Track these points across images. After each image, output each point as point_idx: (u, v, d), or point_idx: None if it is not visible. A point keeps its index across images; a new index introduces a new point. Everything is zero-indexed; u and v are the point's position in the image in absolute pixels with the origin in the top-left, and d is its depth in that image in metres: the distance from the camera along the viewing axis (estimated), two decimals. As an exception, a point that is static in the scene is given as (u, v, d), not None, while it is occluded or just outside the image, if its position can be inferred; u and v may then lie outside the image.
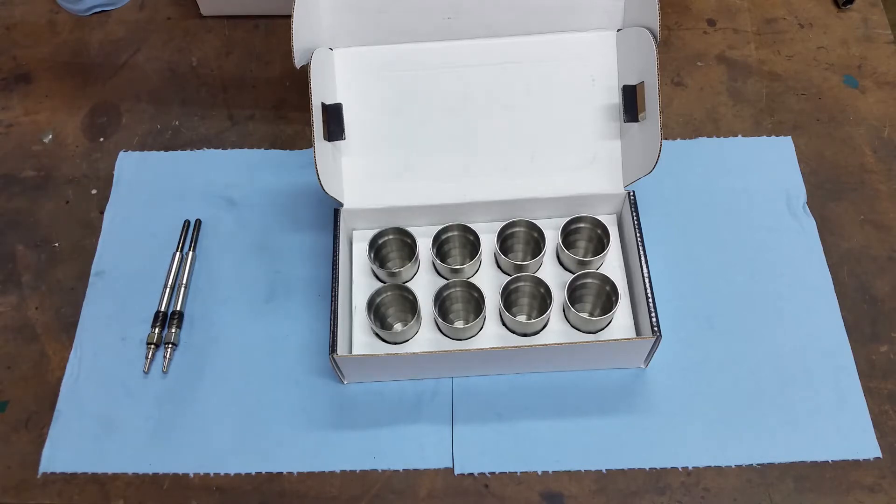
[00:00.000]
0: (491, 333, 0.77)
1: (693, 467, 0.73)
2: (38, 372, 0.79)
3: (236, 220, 0.87)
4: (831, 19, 1.01)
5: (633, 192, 0.79)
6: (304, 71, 0.75)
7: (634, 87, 0.78)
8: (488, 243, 0.81)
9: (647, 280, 0.74)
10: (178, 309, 0.81)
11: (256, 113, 0.95)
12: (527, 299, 0.79)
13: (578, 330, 0.77)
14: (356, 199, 0.80)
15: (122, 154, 0.92)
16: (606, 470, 0.73)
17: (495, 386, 0.77)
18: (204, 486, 0.73)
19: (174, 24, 1.03)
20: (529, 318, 0.79)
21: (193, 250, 0.85)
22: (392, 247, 0.82)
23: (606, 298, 0.77)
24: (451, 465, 0.73)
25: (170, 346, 0.79)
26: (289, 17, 0.72)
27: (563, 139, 0.81)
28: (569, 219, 0.80)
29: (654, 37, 0.75)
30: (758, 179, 0.88)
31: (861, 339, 0.79)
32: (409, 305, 0.78)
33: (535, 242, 0.81)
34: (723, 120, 0.93)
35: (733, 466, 0.73)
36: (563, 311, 0.78)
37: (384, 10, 0.79)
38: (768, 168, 0.89)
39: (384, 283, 0.79)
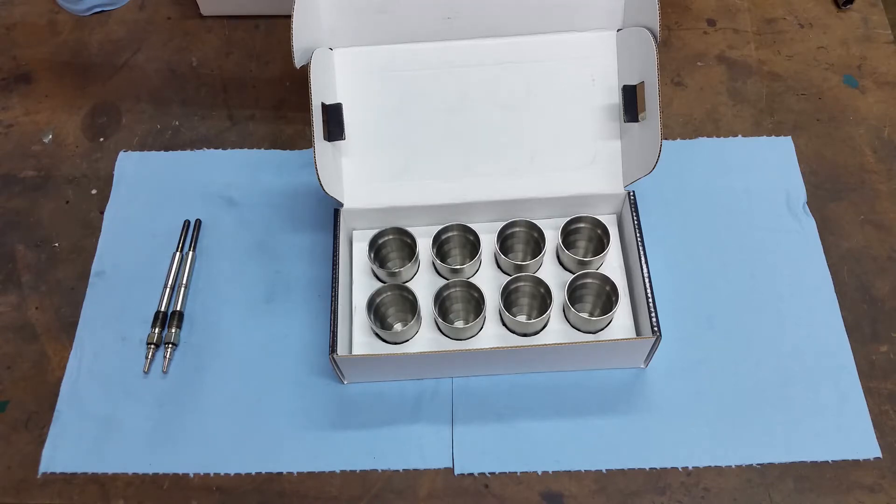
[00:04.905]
0: (491, 333, 0.77)
1: (693, 467, 0.73)
2: (38, 372, 0.79)
3: (236, 220, 0.87)
4: (831, 19, 1.01)
5: (633, 192, 0.79)
6: (304, 71, 0.75)
7: (634, 87, 0.78)
8: (488, 243, 0.81)
9: (647, 280, 0.74)
10: (178, 309, 0.81)
11: (256, 113, 0.95)
12: (527, 299, 0.79)
13: (578, 330, 0.77)
14: (356, 199, 0.80)
15: (122, 154, 0.92)
16: (606, 470, 0.73)
17: (495, 386, 0.77)
18: (204, 486, 0.73)
19: (174, 24, 1.03)
20: (529, 318, 0.79)
21: (193, 250, 0.85)
22: (392, 247, 0.82)
23: (606, 298, 0.77)
24: (451, 465, 0.73)
25: (170, 346, 0.79)
26: (289, 17, 0.72)
27: (563, 139, 0.81)
28: (569, 219, 0.80)
29: (654, 37, 0.75)
30: (758, 179, 0.88)
31: (861, 339, 0.79)
32: (409, 305, 0.78)
33: (535, 242, 0.81)
34: (723, 120, 0.93)
35: (733, 466, 0.73)
36: (563, 311, 0.78)
37: (384, 10, 0.79)
38: (768, 168, 0.89)
39: (384, 283, 0.79)
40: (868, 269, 0.83)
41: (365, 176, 0.81)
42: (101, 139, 0.94)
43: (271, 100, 0.96)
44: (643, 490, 0.72)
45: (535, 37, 0.81)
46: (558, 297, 0.78)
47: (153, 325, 0.80)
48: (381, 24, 0.79)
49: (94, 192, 0.90)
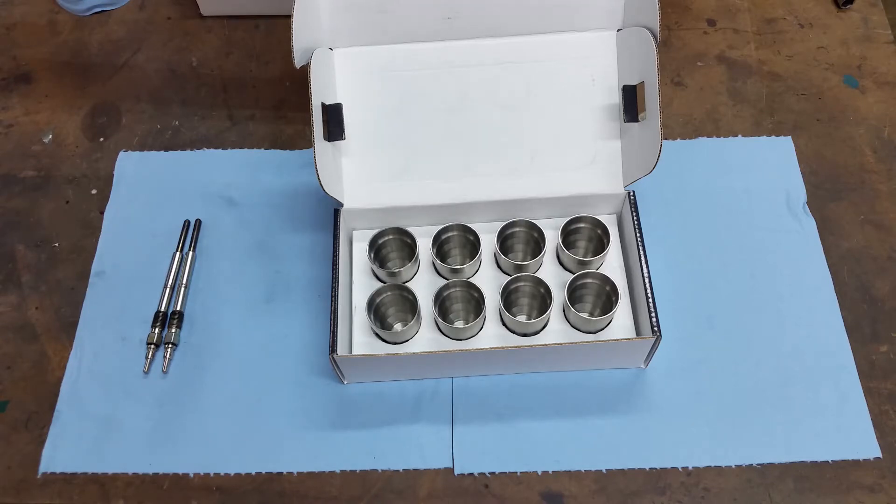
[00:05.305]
0: (491, 333, 0.77)
1: (693, 467, 0.73)
2: (38, 372, 0.79)
3: (236, 220, 0.87)
4: (831, 19, 1.01)
5: (633, 192, 0.79)
6: (304, 71, 0.75)
7: (634, 87, 0.78)
8: (488, 243, 0.81)
9: (647, 280, 0.74)
10: (178, 309, 0.81)
11: (256, 113, 0.95)
12: (527, 299, 0.79)
13: (578, 330, 0.77)
14: (356, 199, 0.80)
15: (122, 154, 0.92)
16: (606, 470, 0.73)
17: (495, 386, 0.77)
18: (204, 486, 0.73)
19: (174, 24, 1.03)
20: (529, 318, 0.79)
21: (193, 250, 0.85)
22: (392, 247, 0.82)
23: (606, 298, 0.77)
24: (451, 465, 0.73)
25: (170, 346, 0.79)
26: (289, 17, 0.72)
27: (563, 139, 0.81)
28: (569, 219, 0.80)
29: (654, 37, 0.75)
30: (758, 179, 0.88)
31: (861, 339, 0.79)
32: (409, 305, 0.78)
33: (535, 242, 0.81)
34: (723, 120, 0.93)
35: (733, 466, 0.73)
36: (563, 311, 0.78)
37: (384, 10, 0.79)
38: (768, 168, 0.89)
39: (384, 283, 0.79)
40: (868, 269, 0.83)
41: (365, 176, 0.81)
42: (101, 139, 0.94)
43: (271, 100, 0.96)
44: (643, 490, 0.72)
45: (535, 37, 0.81)
46: (558, 297, 0.78)
47: (153, 325, 0.80)
48: (381, 24, 0.79)
49: (94, 192, 0.90)
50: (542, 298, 0.77)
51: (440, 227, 0.80)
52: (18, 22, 1.04)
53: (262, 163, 0.91)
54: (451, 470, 0.73)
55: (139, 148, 0.93)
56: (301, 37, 0.74)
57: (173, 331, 0.79)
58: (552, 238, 0.81)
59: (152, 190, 0.90)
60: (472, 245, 0.81)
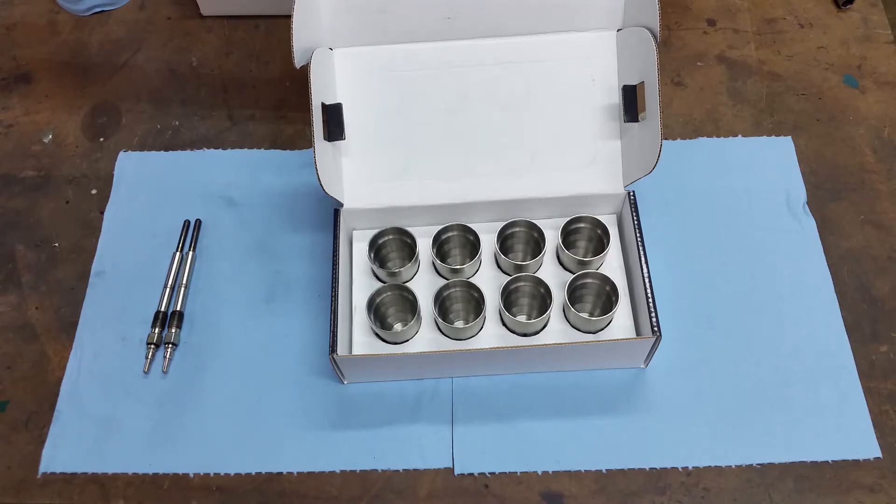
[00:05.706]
0: (491, 333, 0.77)
1: (693, 467, 0.73)
2: (38, 372, 0.79)
3: (236, 220, 0.87)
4: (831, 19, 1.01)
5: (633, 192, 0.79)
6: (304, 71, 0.75)
7: (634, 87, 0.78)
8: (488, 243, 0.81)
9: (647, 280, 0.74)
10: (178, 309, 0.81)
11: (256, 113, 0.95)
12: (527, 299, 0.79)
13: (578, 330, 0.77)
14: (356, 199, 0.80)
15: (122, 154, 0.92)
16: (606, 470, 0.73)
17: (495, 386, 0.77)
18: (204, 486, 0.73)
19: (174, 24, 1.03)
20: (529, 318, 0.79)
21: (193, 250, 0.85)
22: (392, 247, 0.82)
23: (606, 298, 0.77)
24: (451, 465, 0.73)
25: (170, 346, 0.79)
26: (289, 17, 0.72)
27: (563, 139, 0.81)
28: (569, 219, 0.80)
29: (654, 37, 0.75)
30: (758, 179, 0.88)
31: (861, 339, 0.79)
32: (409, 305, 0.78)
33: (535, 242, 0.81)
34: (723, 120, 0.93)
35: (733, 466, 0.73)
36: (563, 311, 0.78)
37: (384, 11, 0.79)
38: (768, 168, 0.89)
39: (384, 283, 0.79)
40: (868, 269, 0.83)
41: (365, 176, 0.81)
42: (101, 139, 0.94)
43: (271, 100, 0.96)
44: (643, 490, 0.72)
45: (535, 37, 0.81)
46: (558, 297, 0.78)
47: (153, 325, 0.80)
48: (381, 24, 0.79)
49: (94, 192, 0.90)
50: (542, 298, 0.77)
51: (440, 227, 0.80)
52: (18, 22, 1.04)
53: (262, 163, 0.91)
54: (451, 470, 0.73)
55: (139, 148, 0.93)
56: (301, 37, 0.74)
57: (173, 331, 0.79)
58: (552, 238, 0.81)
59: (152, 190, 0.90)
60: (472, 245, 0.81)
